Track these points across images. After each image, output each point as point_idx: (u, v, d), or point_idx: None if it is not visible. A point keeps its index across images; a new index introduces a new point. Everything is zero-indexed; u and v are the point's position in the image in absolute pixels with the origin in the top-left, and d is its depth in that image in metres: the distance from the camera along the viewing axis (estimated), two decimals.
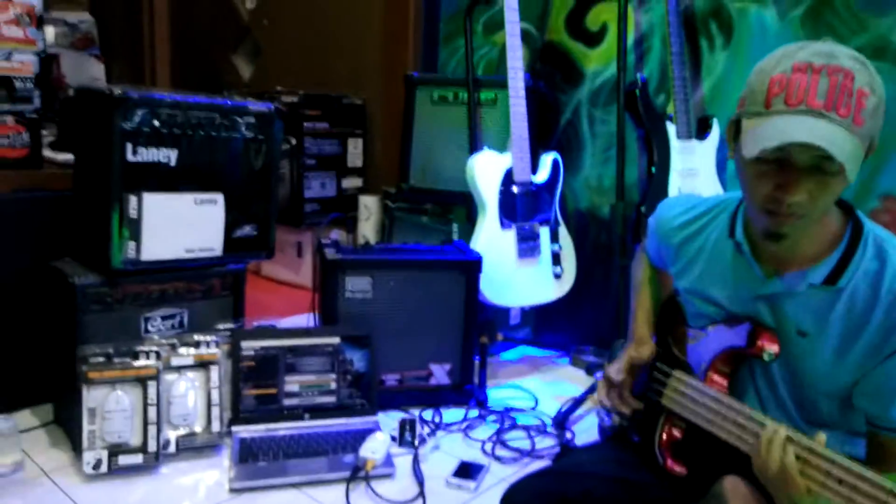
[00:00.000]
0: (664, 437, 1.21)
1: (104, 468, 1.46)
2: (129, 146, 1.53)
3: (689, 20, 2.03)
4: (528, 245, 2.07)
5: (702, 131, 1.99)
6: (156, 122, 1.56)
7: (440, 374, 1.90)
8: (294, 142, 2.70)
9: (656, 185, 1.94)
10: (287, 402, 1.69)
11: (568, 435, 1.76)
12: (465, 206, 2.32)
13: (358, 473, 1.48)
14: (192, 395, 1.59)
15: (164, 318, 1.68)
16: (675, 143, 1.95)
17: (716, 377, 1.16)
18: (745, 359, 1.14)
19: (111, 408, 1.47)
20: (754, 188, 0.99)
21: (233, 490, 1.44)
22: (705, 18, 2.03)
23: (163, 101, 1.56)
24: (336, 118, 2.83)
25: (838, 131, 0.88)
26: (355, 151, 2.94)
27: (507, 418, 1.83)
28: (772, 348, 1.07)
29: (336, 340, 1.72)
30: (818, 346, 1.04)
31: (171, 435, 1.56)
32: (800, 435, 0.93)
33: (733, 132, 1.04)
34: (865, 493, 0.82)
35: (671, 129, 1.96)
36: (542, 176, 2.12)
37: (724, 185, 2.01)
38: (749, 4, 1.94)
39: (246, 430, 1.63)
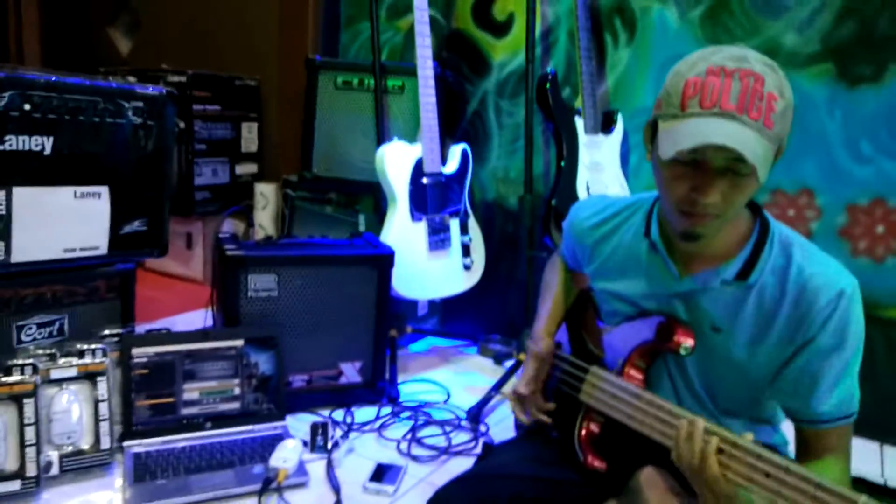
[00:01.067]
0: (583, 433, 1.23)
1: None
2: None
3: (595, 16, 2.06)
4: (438, 237, 2.04)
5: (606, 126, 2.04)
6: (27, 106, 1.37)
7: (351, 372, 1.84)
8: (182, 125, 2.50)
9: (566, 178, 1.97)
10: (186, 411, 1.56)
11: (483, 428, 1.75)
12: (371, 196, 2.25)
13: (269, 485, 1.39)
14: (76, 409, 1.43)
15: (39, 325, 1.51)
16: (582, 138, 1.98)
17: (632, 372, 1.19)
18: (660, 353, 1.18)
19: None
20: (670, 190, 1.01)
21: None
22: (610, 15, 2.07)
23: (35, 83, 1.38)
24: (228, 100, 2.65)
25: (750, 134, 0.91)
26: (249, 136, 2.78)
27: (420, 414, 1.80)
28: (687, 342, 1.10)
29: (239, 343, 1.61)
30: (731, 340, 1.09)
31: (54, 455, 1.40)
32: (723, 429, 0.95)
33: (650, 134, 1.06)
34: (793, 485, 0.84)
35: (579, 123, 1.99)
36: (451, 167, 2.09)
37: (628, 178, 2.07)
38: (651, 3, 2.00)
39: (140, 445, 1.49)
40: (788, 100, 0.95)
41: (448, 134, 2.37)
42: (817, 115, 1.79)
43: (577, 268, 1.35)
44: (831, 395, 1.03)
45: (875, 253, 1.77)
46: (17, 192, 1.40)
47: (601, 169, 2.01)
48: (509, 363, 2.16)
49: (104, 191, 1.54)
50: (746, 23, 1.86)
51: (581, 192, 1.97)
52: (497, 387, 1.94)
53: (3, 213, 1.39)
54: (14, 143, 1.38)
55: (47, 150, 1.43)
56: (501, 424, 1.79)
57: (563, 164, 1.97)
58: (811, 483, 0.83)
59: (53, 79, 1.42)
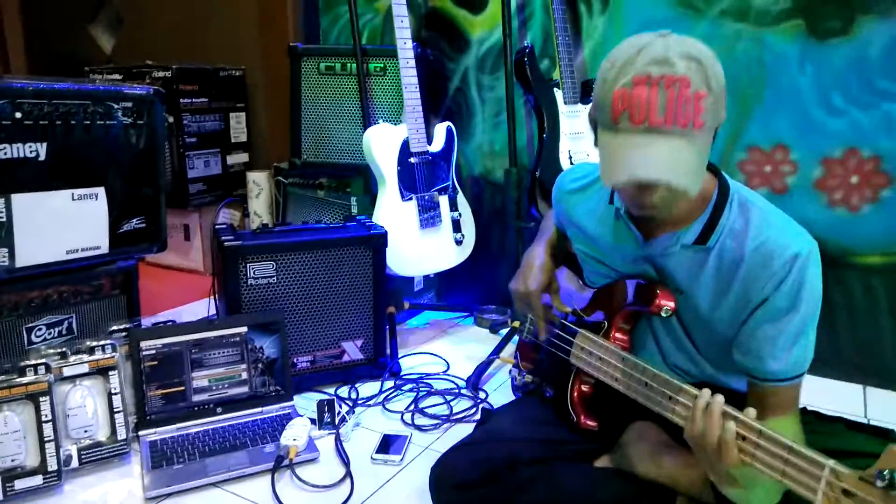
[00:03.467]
0: (575, 394, 1.28)
1: None
2: None
3: None
4: (429, 215, 2.09)
5: (585, 95, 2.07)
6: (17, 114, 1.41)
7: (352, 350, 1.90)
8: (171, 119, 2.53)
9: (548, 149, 2.01)
10: (197, 398, 1.62)
11: (482, 395, 1.82)
12: (362, 179, 2.29)
13: (282, 463, 1.46)
14: (90, 403, 1.49)
15: (48, 325, 1.56)
16: (562, 108, 2.02)
17: (618, 335, 1.24)
18: (643, 315, 1.23)
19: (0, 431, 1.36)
20: (617, 188, 1.06)
21: (149, 499, 1.38)
22: None
23: (24, 90, 1.41)
24: (215, 92, 2.68)
25: (679, 148, 0.94)
26: (238, 126, 2.81)
27: (422, 386, 1.87)
28: (668, 305, 1.14)
29: (243, 329, 1.67)
30: (692, 302, 1.13)
31: (73, 449, 1.46)
32: (733, 409, 0.94)
33: (593, 125, 1.08)
34: (799, 467, 0.84)
35: (558, 94, 2.02)
36: (437, 145, 2.13)
37: None
38: None
39: (155, 433, 1.56)
40: (717, 89, 0.96)
41: (432, 112, 2.41)
42: (789, 72, 1.83)
43: (564, 231, 1.41)
44: (785, 355, 1.05)
45: (851, 203, 1.82)
46: (16, 198, 1.44)
47: (582, 137, 2.05)
48: (505, 331, 2.23)
49: (100, 191, 1.59)
50: None
51: (564, 162, 2.01)
52: (494, 354, 2.01)
53: (4, 219, 1.43)
54: (8, 151, 1.42)
55: (42, 156, 1.47)
56: (500, 390, 1.86)
57: (545, 135, 2.01)
58: (818, 465, 0.82)
59: (42, 85, 1.45)
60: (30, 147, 1.45)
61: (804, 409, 1.24)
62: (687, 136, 0.95)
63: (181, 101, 2.55)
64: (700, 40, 0.99)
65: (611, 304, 1.26)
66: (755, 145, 1.92)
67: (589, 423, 1.26)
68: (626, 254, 1.21)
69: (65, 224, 1.54)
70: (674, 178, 0.94)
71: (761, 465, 0.88)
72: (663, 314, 1.14)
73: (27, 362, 1.41)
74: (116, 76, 2.64)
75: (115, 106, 1.58)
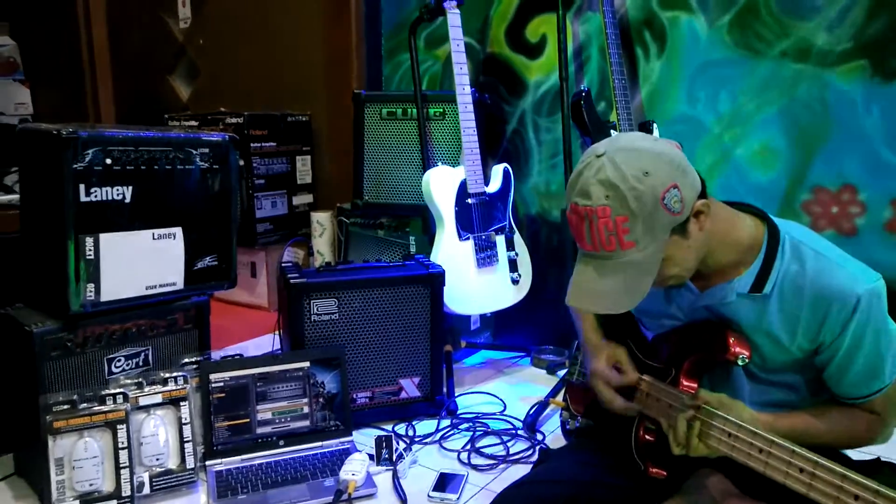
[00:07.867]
0: (640, 442, 1.25)
1: None
2: (82, 186, 1.50)
3: (625, 30, 2.12)
4: (485, 254, 2.12)
5: None
6: (108, 161, 1.52)
7: (410, 387, 1.93)
8: (242, 163, 2.66)
9: None
10: (261, 430, 1.68)
11: (539, 436, 1.81)
12: (420, 219, 2.35)
13: (340, 497, 1.49)
14: (162, 432, 1.56)
15: (127, 357, 1.65)
16: None
17: (686, 382, 1.20)
18: (714, 362, 1.21)
19: (80, 456, 1.44)
20: None
21: None
22: (639, 28, 2.12)
23: (113, 139, 1.53)
24: (282, 136, 2.81)
25: (608, 274, 1.01)
26: (304, 169, 2.93)
27: (478, 425, 1.87)
28: (744, 353, 1.11)
29: (306, 364, 1.72)
30: (762, 345, 1.12)
31: (145, 476, 1.53)
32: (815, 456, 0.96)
33: None
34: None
35: None
36: (494, 186, 2.18)
37: None
38: (680, 13, 2.04)
39: (221, 463, 1.62)
40: (644, 206, 0.97)
41: (490, 154, 2.46)
42: (854, 112, 1.79)
43: None
44: (859, 382, 1.08)
45: None
46: (104, 237, 1.55)
47: None
48: (562, 372, 2.21)
49: (178, 231, 1.69)
50: (776, 26, 1.88)
51: None
52: (551, 395, 2.00)
53: (92, 257, 1.54)
54: (99, 194, 1.54)
55: (127, 199, 1.58)
56: (557, 432, 1.84)
57: None
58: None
59: (129, 134, 1.57)
60: (117, 190, 1.56)
61: (878, 460, 1.19)
62: (616, 258, 1.00)
63: (251, 145, 2.68)
64: (657, 140, 1.04)
65: (677, 351, 1.23)
66: (821, 185, 1.88)
67: (657, 470, 1.22)
68: (683, 306, 1.20)
69: (145, 261, 1.64)
70: (608, 302, 1.02)
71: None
72: (739, 362, 1.11)
73: (107, 391, 1.50)
74: (193, 122, 2.81)
75: (194, 152, 1.69)
